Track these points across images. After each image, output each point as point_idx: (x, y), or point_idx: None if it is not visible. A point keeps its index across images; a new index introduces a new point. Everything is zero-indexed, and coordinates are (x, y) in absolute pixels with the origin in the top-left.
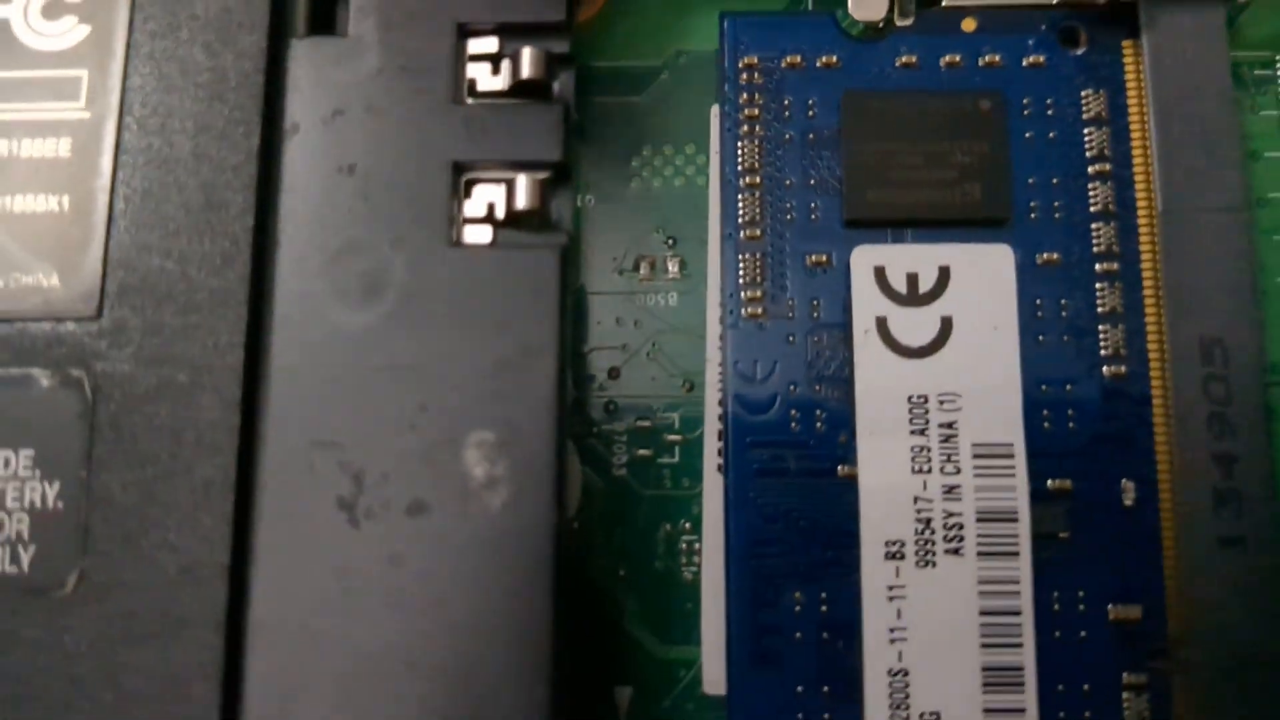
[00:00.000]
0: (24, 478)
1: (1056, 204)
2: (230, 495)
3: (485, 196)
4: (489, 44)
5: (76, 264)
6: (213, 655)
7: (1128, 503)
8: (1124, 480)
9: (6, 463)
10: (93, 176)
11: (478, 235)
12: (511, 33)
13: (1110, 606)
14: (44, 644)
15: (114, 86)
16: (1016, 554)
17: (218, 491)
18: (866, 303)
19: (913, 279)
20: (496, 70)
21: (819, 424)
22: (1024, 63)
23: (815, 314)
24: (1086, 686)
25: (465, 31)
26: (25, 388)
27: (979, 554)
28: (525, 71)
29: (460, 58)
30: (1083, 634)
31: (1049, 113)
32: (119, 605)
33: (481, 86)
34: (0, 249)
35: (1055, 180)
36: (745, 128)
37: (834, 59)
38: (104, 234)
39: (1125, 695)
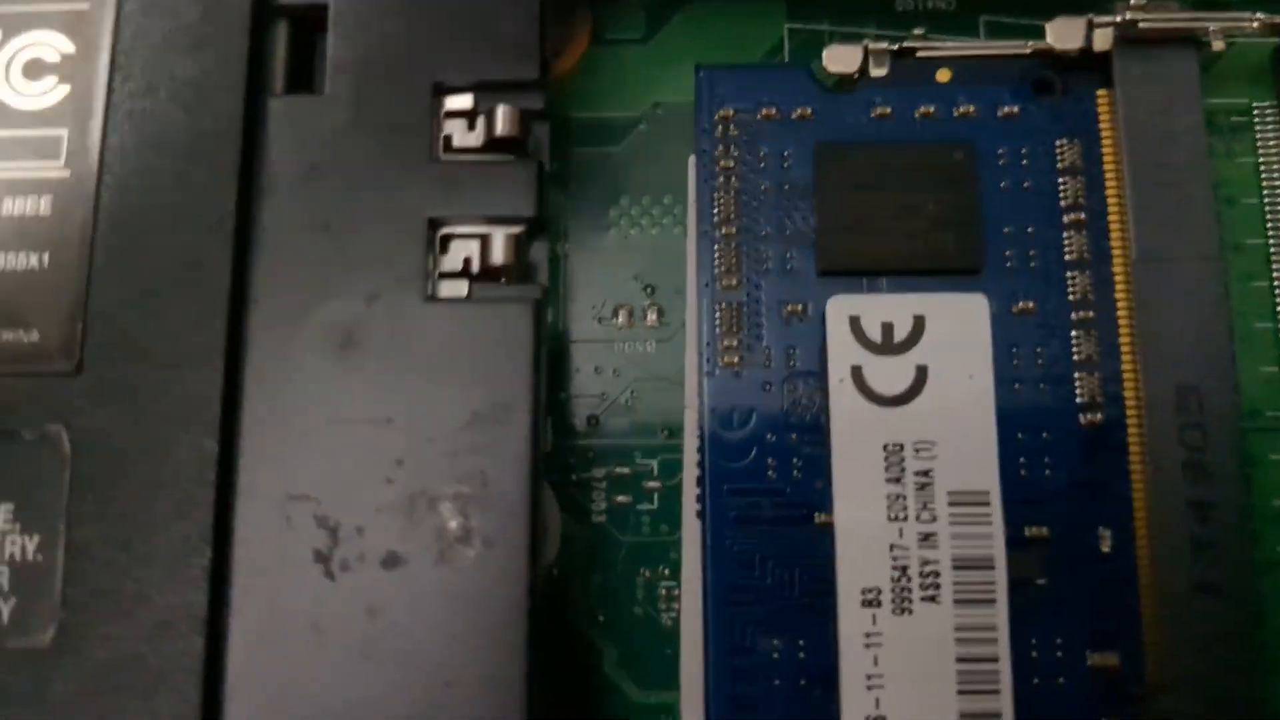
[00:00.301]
0: (4, 530)
1: (1031, 253)
2: (207, 548)
3: (461, 251)
4: (464, 101)
5: (56, 320)
6: (190, 707)
7: (1105, 549)
8: (1101, 527)
9: None
10: (72, 234)
11: (454, 289)
12: (486, 90)
13: (1088, 653)
14: (27, 696)
15: (94, 145)
16: (993, 601)
17: (194, 545)
18: (842, 352)
19: (888, 328)
20: (472, 127)
21: (795, 471)
22: (999, 113)
23: (791, 362)
24: None
25: (441, 89)
26: (6, 442)
27: (955, 601)
28: (500, 128)
29: (436, 115)
30: (1061, 680)
31: (1024, 162)
32: (99, 657)
33: (457, 143)
34: None
35: (1030, 229)
36: (721, 179)
37: (809, 111)
38: (84, 291)
39: None
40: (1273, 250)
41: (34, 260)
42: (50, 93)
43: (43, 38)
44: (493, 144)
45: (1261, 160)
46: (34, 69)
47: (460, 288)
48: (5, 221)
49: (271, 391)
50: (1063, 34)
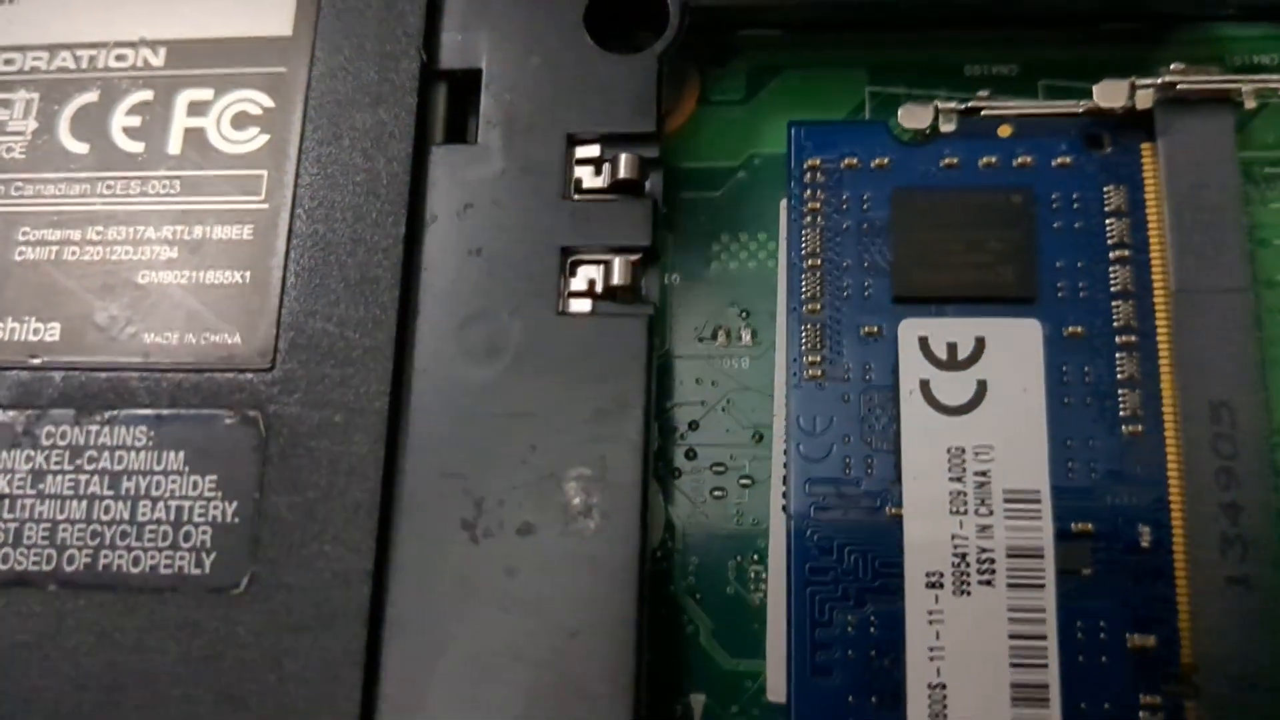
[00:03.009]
0: (209, 498)
1: (1081, 284)
2: (375, 515)
3: (587, 275)
4: (593, 150)
5: (255, 326)
6: (357, 646)
7: (1144, 544)
8: (1140, 524)
9: (195, 485)
10: (269, 255)
11: (580, 306)
12: (611, 141)
13: (1128, 635)
14: (221, 633)
15: (288, 183)
16: (1043, 586)
17: (364, 512)
18: (912, 367)
19: (952, 347)
20: (599, 172)
21: (869, 471)
22: (1053, 163)
23: (867, 376)
24: (1106, 705)
25: (573, 140)
26: (211, 426)
27: (1009, 585)
28: (622, 173)
29: (569, 162)
30: (1103, 659)
31: (1075, 205)
32: (282, 603)
33: (586, 185)
34: (195, 313)
35: (1080, 264)
36: (809, 219)
37: (886, 161)
38: (277, 302)
39: (1141, 715)
40: None
41: (238, 276)
42: (253, 140)
43: (248, 95)
44: (616, 186)
45: None
46: (240, 120)
47: (586, 305)
48: (216, 244)
49: (431, 387)
50: (1108, 94)
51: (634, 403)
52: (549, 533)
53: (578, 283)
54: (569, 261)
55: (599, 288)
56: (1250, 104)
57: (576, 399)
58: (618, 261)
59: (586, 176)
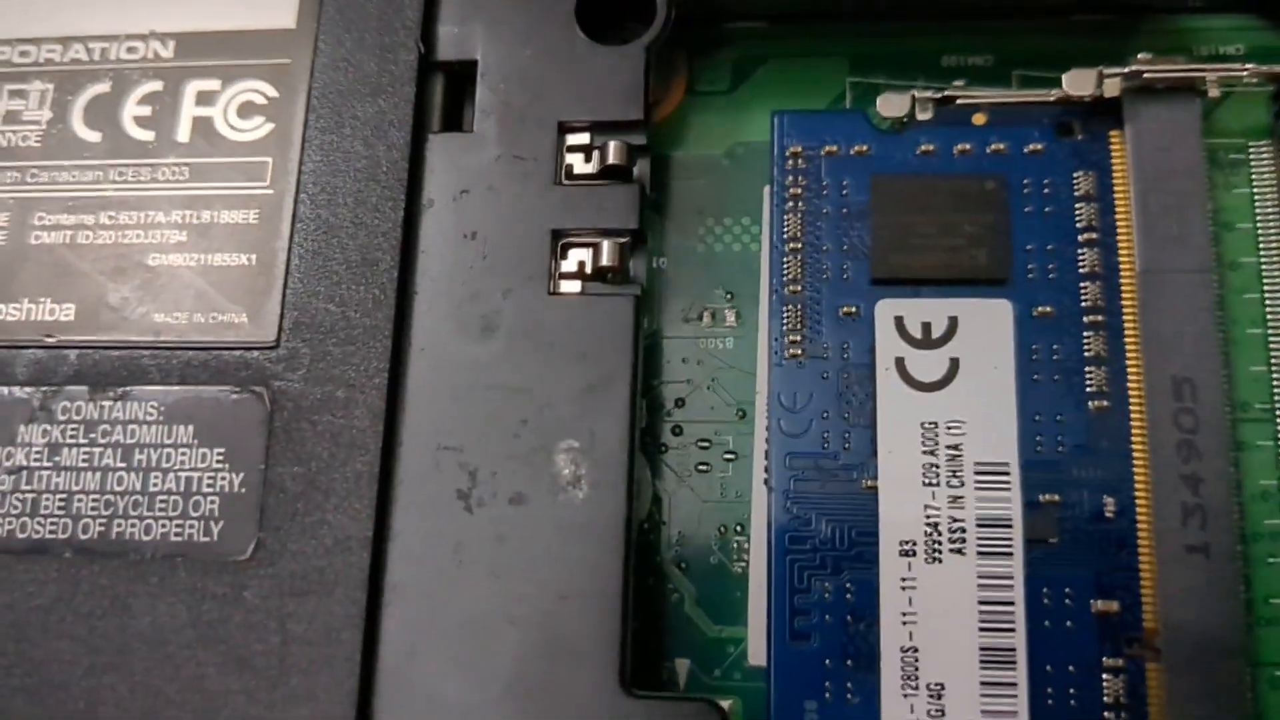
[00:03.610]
0: (216, 469)
1: (1051, 266)
2: (374, 485)
3: (577, 257)
4: (583, 138)
5: (261, 306)
6: (358, 609)
7: (1109, 514)
8: (1105, 495)
9: (203, 457)
10: (274, 239)
11: (570, 287)
12: (600, 129)
13: (1092, 601)
14: (229, 597)
15: (292, 170)
16: (1011, 554)
17: (364, 482)
18: (888, 346)
19: (927, 326)
20: (589, 158)
21: (846, 445)
22: (1025, 150)
23: (845, 355)
24: (1071, 667)
25: (564, 128)
26: (219, 400)
27: (978, 553)
28: (611, 159)
29: (560, 148)
30: (1068, 623)
31: (1046, 191)
32: (286, 568)
33: (576, 171)
34: (203, 293)
35: (1050, 246)
36: (790, 204)
37: (865, 148)
38: (282, 283)
39: (1105, 676)
40: (1263, 268)
41: (244, 259)
42: (259, 129)
43: (253, 85)
44: (605, 172)
45: (1255, 191)
46: (246, 110)
47: (576, 286)
48: (223, 228)
49: (428, 364)
50: (1077, 83)
51: (621, 379)
52: (540, 502)
53: (568, 264)
54: (560, 244)
55: (588, 269)
56: (1215, 93)
57: (566, 375)
58: (606, 244)
59: (577, 163)
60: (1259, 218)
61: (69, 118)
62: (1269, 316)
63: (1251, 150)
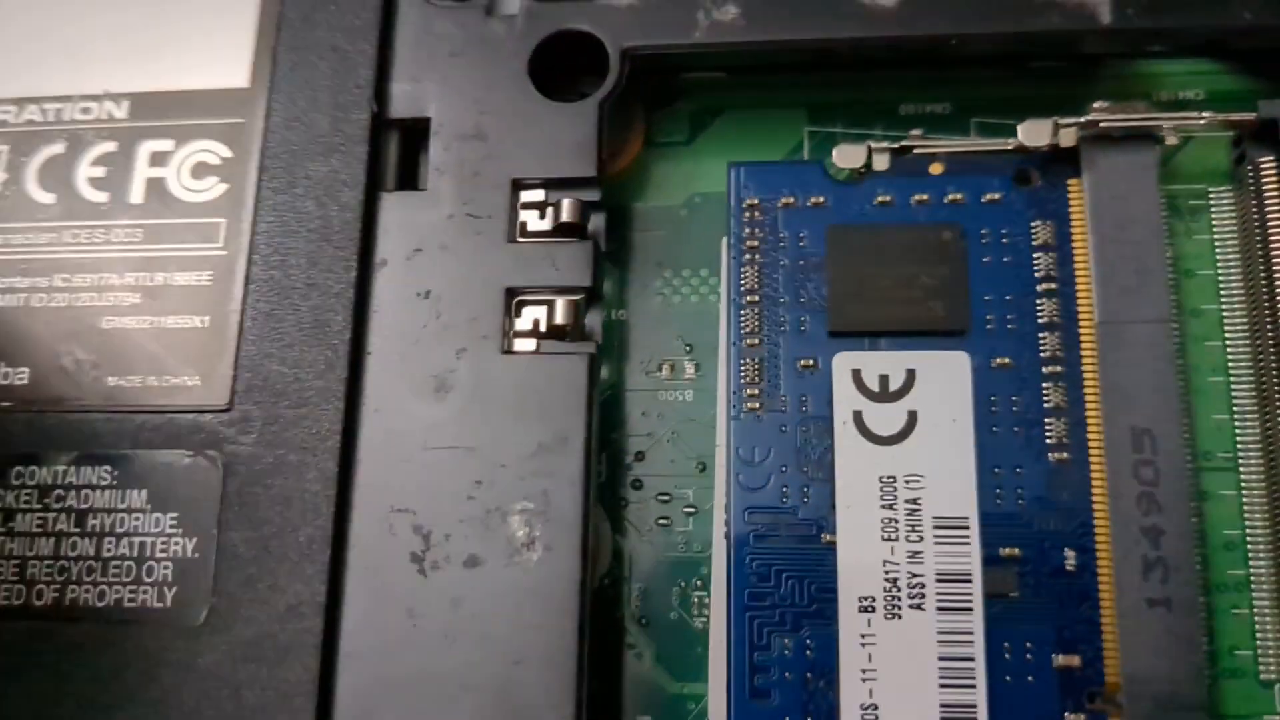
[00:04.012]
0: (170, 534)
1: (1009, 317)
2: (327, 550)
3: (531, 315)
4: (537, 195)
5: (213, 368)
6: (311, 675)
7: (1069, 568)
8: (1066, 548)
9: (157, 522)
10: (227, 301)
11: (525, 345)
12: (554, 186)
13: (1054, 655)
14: (183, 663)
15: (245, 230)
16: (971, 609)
17: (317, 547)
18: (846, 399)
19: (884, 379)
20: (543, 215)
21: (806, 498)
22: (983, 199)
23: (804, 408)
24: None
25: (518, 185)
26: (172, 465)
27: (938, 609)
28: (565, 216)
29: (514, 206)
30: (1029, 679)
31: (1004, 240)
32: (240, 634)
33: (531, 228)
34: (155, 356)
35: (1009, 297)
36: (748, 256)
37: (822, 199)
38: (235, 345)
39: None
40: (1224, 314)
41: (197, 321)
42: (212, 189)
43: (207, 145)
44: (559, 229)
45: (1216, 238)
46: (200, 170)
47: (530, 344)
48: (176, 290)
49: (381, 425)
50: (1033, 133)
51: (575, 438)
52: (494, 565)
53: (523, 322)
54: (514, 302)
55: (543, 327)
56: (1172, 140)
57: (521, 435)
58: (561, 302)
59: (531, 220)
60: (1220, 264)
61: (23, 179)
62: (1230, 364)
63: (1212, 196)
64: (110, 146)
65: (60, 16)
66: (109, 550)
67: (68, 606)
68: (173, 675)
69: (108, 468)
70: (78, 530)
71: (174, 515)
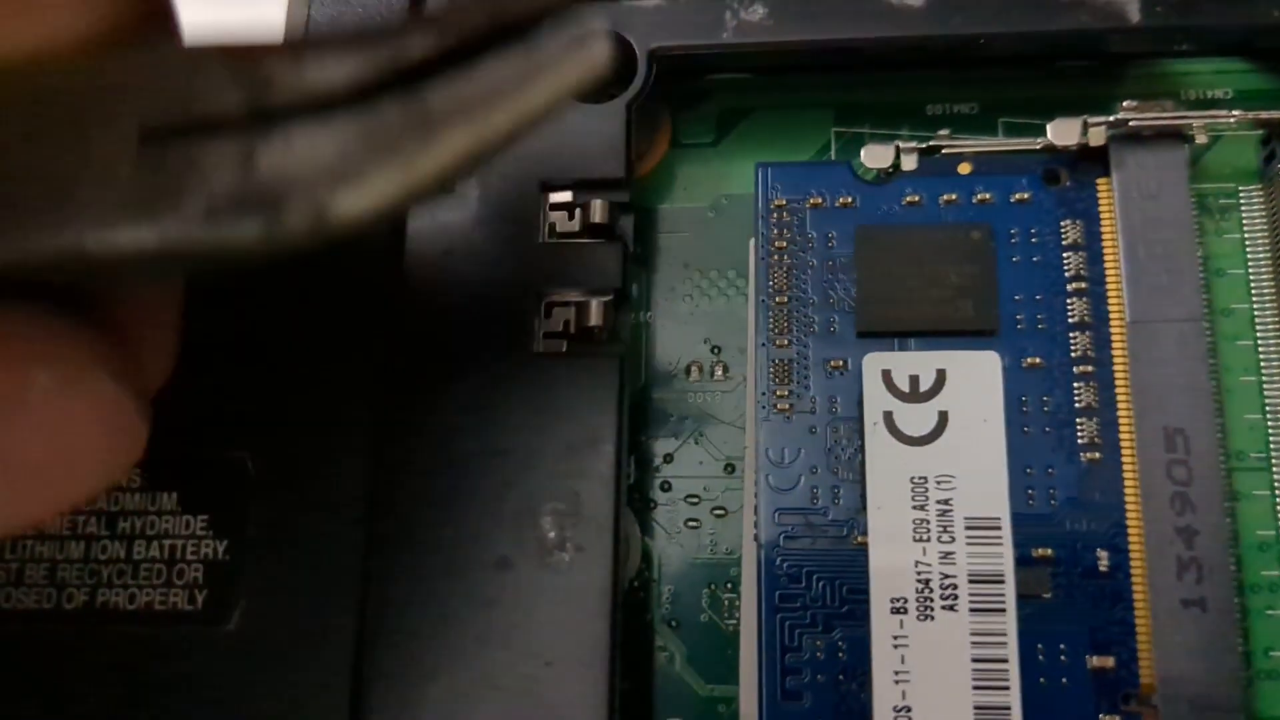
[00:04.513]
0: (200, 536)
1: (1040, 316)
2: (358, 551)
3: (561, 316)
4: (565, 196)
5: None
6: (343, 677)
7: (1102, 569)
8: (1099, 549)
9: (187, 525)
10: None
11: (555, 347)
12: (583, 187)
13: (1088, 657)
14: (214, 666)
15: None
16: (1004, 610)
17: (349, 548)
18: (875, 400)
19: (914, 379)
20: (571, 217)
21: (836, 500)
22: (1012, 199)
23: (833, 409)
24: None
25: (547, 187)
26: (203, 466)
27: (971, 610)
28: (594, 218)
29: (543, 207)
30: (1063, 680)
31: (1033, 240)
32: (271, 636)
33: (560, 230)
34: None
35: (1039, 297)
36: (775, 257)
37: (850, 199)
38: None
39: None
40: (1255, 313)
41: None
42: None
43: None
44: (588, 230)
45: (1246, 237)
46: None
47: (560, 345)
48: None
49: (412, 426)
50: (1062, 132)
51: (606, 439)
52: (525, 566)
53: (552, 324)
54: (544, 304)
55: (572, 329)
56: (1202, 139)
57: (551, 436)
58: (591, 303)
59: (560, 221)
60: (1250, 263)
61: None
62: (1262, 363)
63: (1242, 195)
64: None
65: None
66: (139, 553)
67: (98, 609)
68: (204, 677)
69: (137, 470)
70: (108, 533)
71: (204, 517)
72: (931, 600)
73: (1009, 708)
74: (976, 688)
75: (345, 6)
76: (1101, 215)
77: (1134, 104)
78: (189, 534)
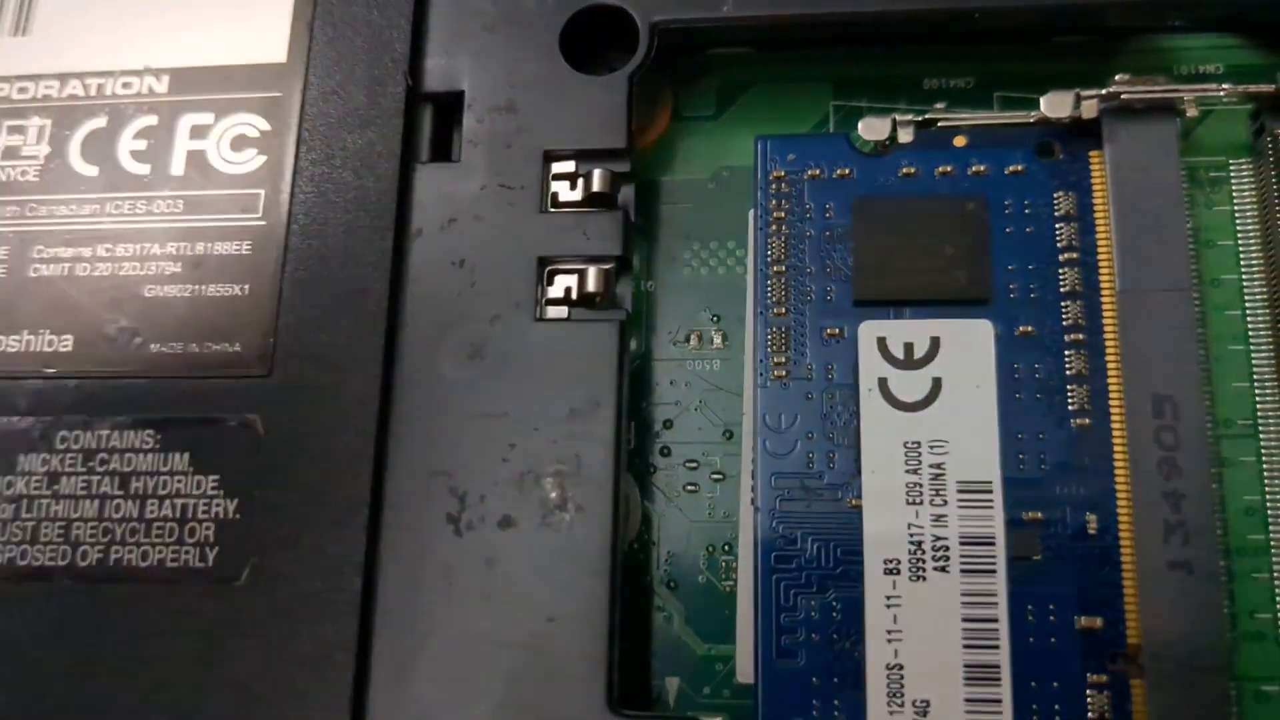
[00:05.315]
0: (212, 495)
1: (1032, 286)
2: (365, 511)
3: (563, 283)
4: (568, 166)
5: (253, 336)
6: (350, 632)
7: (1091, 531)
8: (1088, 512)
9: (199, 484)
10: (267, 270)
11: (557, 313)
12: (585, 157)
13: (1076, 617)
14: (224, 622)
15: (284, 201)
16: (994, 571)
17: (355, 508)
18: (871, 366)
19: (909, 347)
20: (574, 186)
21: (831, 464)
22: (1006, 171)
23: (829, 376)
24: (1055, 684)
25: (550, 156)
26: (214, 429)
27: (962, 571)
28: (596, 187)
29: (546, 177)
30: (1052, 639)
31: (1026, 211)
32: (280, 593)
33: (562, 198)
34: (196, 324)
35: (1031, 266)
36: (774, 227)
37: (847, 171)
38: (274, 314)
39: (1089, 692)
40: (1244, 284)
41: (237, 289)
42: (251, 161)
43: (246, 119)
44: (590, 199)
45: (1236, 209)
46: (239, 143)
47: (562, 311)
48: (217, 259)
49: (417, 390)
50: (1055, 105)
51: (606, 403)
52: (528, 525)
53: (554, 291)
54: (546, 271)
55: (574, 295)
56: (1193, 112)
57: (553, 400)
58: (592, 270)
59: (562, 191)
60: (1239, 234)
61: (67, 152)
62: (1250, 333)
63: (1232, 167)
64: (151, 120)
65: None
66: (152, 512)
67: (111, 567)
68: (214, 634)
69: (150, 432)
70: (121, 493)
71: (215, 477)
72: (924, 561)
73: (998, 666)
74: (967, 646)
75: (347, 27)
76: (1094, 187)
77: (1126, 78)
78: (201, 493)
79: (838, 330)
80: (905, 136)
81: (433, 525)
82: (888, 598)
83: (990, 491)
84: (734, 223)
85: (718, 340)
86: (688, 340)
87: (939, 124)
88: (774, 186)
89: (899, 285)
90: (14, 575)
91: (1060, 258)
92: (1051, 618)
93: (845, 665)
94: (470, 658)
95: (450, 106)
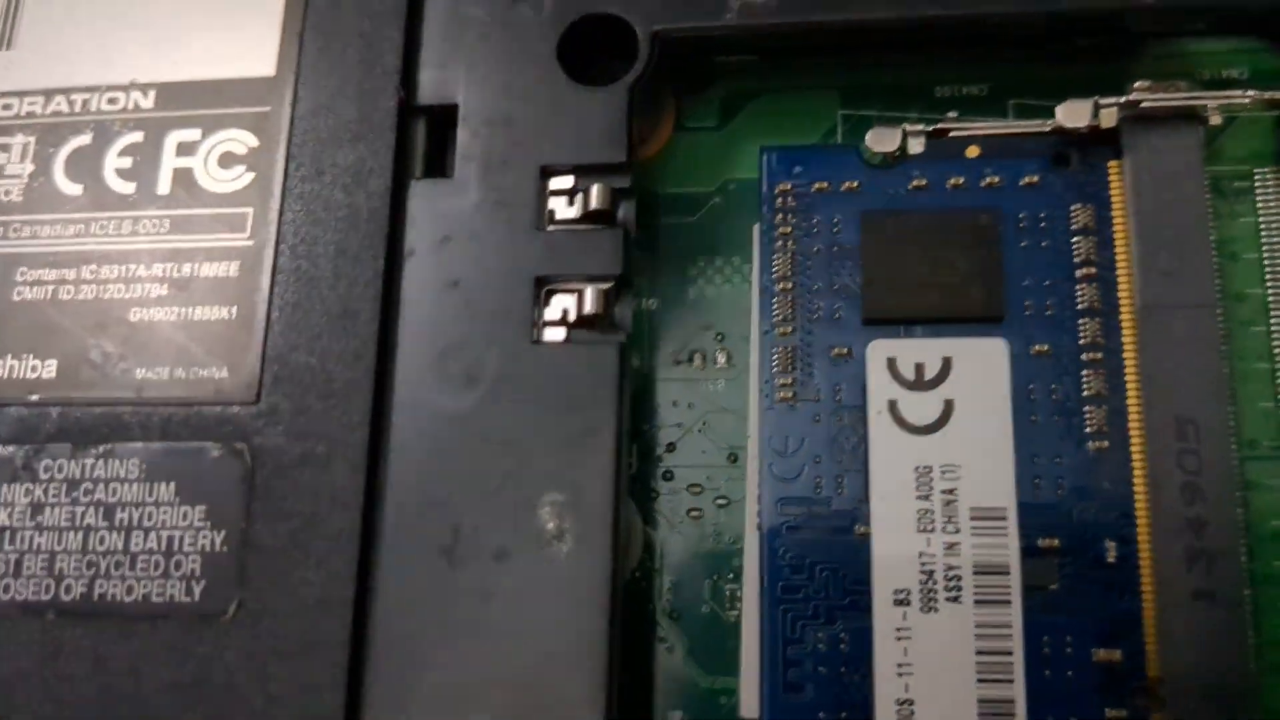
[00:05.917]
0: (198, 527)
1: (1048, 302)
2: (356, 543)
3: (561, 304)
4: (565, 181)
5: (241, 360)
6: (340, 670)
7: (1110, 559)
8: (1106, 540)
9: (184, 515)
10: (255, 291)
11: (554, 335)
12: (583, 172)
13: (1094, 649)
14: (210, 658)
15: (272, 220)
16: (1009, 602)
17: (346, 540)
18: (880, 388)
19: (920, 367)
20: (571, 202)
21: (839, 490)
22: (1020, 182)
23: (837, 397)
24: (1072, 719)
25: (547, 172)
26: (200, 458)
27: (975, 602)
28: (594, 203)
29: (542, 193)
30: (1069, 673)
31: (1042, 225)
32: (268, 629)
33: (559, 215)
34: (183, 348)
35: (1047, 282)
36: (780, 242)
37: (855, 184)
38: (263, 337)
39: None
40: (1270, 299)
41: (225, 312)
42: (239, 178)
43: (233, 135)
44: (588, 216)
45: (1261, 220)
46: (226, 160)
47: (560, 334)
48: (203, 281)
49: (409, 417)
50: (1072, 114)
51: (606, 429)
52: (524, 557)
53: (552, 312)
54: (543, 291)
55: (572, 316)
56: (1216, 120)
57: (550, 426)
58: (590, 290)
59: (560, 207)
60: (1265, 247)
61: (51, 171)
62: (1276, 349)
63: (1257, 177)
64: (137, 137)
65: (86, 7)
66: (137, 544)
67: (96, 600)
68: (200, 669)
69: (136, 460)
70: (106, 524)
71: (202, 508)
72: (935, 592)
73: (1013, 701)
74: (981, 680)
75: (337, 39)
76: (1112, 199)
77: (1146, 85)
78: (187, 525)
79: (846, 350)
80: (916, 147)
81: (425, 558)
82: (898, 629)
83: (1004, 518)
84: (739, 238)
85: (722, 360)
86: (691, 360)
87: (951, 134)
88: (780, 200)
89: (909, 303)
90: None
91: (1077, 273)
92: (1068, 650)
93: (854, 700)
94: (464, 696)
95: (444, 120)
